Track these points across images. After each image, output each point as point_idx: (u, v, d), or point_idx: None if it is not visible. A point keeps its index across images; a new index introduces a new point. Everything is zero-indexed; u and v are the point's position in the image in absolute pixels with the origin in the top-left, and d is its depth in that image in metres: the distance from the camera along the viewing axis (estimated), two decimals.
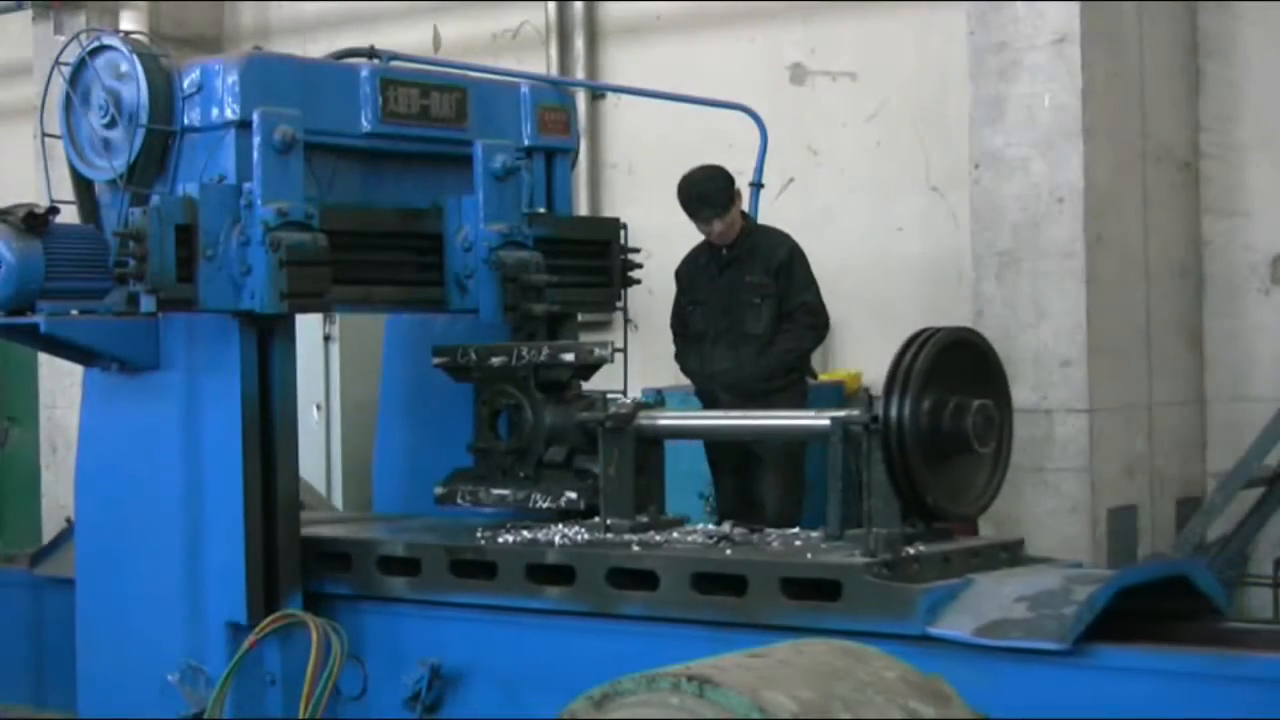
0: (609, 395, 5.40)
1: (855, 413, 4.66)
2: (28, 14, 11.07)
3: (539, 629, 4.93)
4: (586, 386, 6.39)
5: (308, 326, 8.44)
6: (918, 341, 4.63)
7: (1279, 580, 7.50)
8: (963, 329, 4.96)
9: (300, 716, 4.97)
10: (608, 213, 9.60)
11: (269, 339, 5.28)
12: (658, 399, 5.50)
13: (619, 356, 6.52)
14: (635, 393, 6.47)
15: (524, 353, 5.47)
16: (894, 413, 4.54)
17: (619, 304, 6.26)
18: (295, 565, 5.29)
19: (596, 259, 6.14)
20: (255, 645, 5.11)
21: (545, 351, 5.44)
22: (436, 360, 5.70)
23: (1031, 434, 7.34)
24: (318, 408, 9.02)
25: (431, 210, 5.67)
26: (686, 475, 7.67)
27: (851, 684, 3.15)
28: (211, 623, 5.23)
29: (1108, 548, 7.31)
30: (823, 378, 8.49)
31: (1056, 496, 7.32)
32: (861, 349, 9.10)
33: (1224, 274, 8.14)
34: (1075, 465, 7.30)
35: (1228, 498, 7.40)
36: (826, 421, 4.79)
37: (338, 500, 8.90)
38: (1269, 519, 7.66)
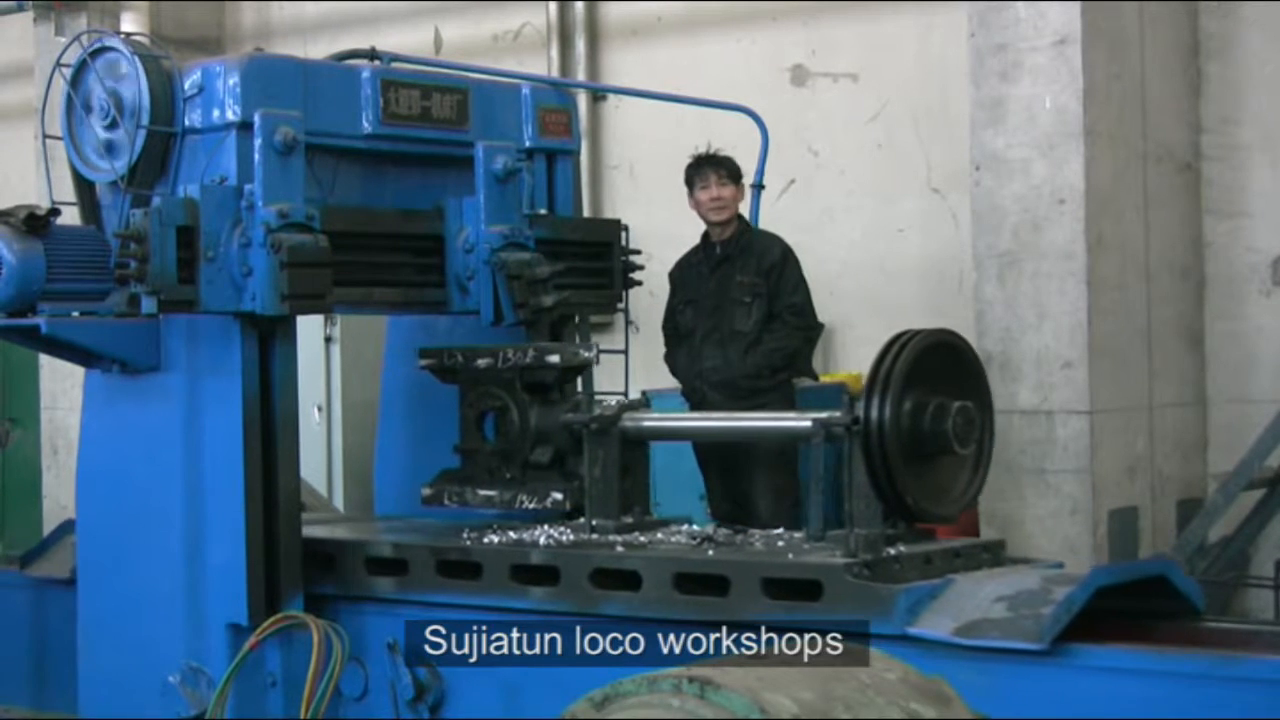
0: (601, 396, 5.42)
1: (837, 414, 4.70)
2: (29, 15, 11.07)
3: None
4: (597, 388, 6.43)
5: (309, 328, 8.44)
6: (898, 343, 4.68)
7: None
8: (943, 330, 4.98)
9: (301, 718, 4.97)
10: (609, 214, 9.60)
11: (270, 340, 5.29)
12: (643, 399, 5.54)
13: (621, 358, 6.55)
14: (636, 394, 6.48)
15: (510, 354, 5.50)
16: (874, 414, 4.58)
17: (620, 305, 6.25)
18: (296, 566, 5.29)
19: (597, 260, 6.14)
20: (256, 646, 5.11)
21: (531, 353, 5.48)
22: (423, 362, 5.73)
23: (1033, 435, 7.33)
24: (319, 409, 9.02)
25: (433, 212, 5.67)
26: (690, 476, 7.68)
27: (852, 685, 3.15)
28: (212, 624, 5.23)
29: (1108, 549, 7.31)
30: (823, 379, 8.49)
31: (1057, 498, 7.31)
32: (862, 350, 9.08)
33: (1225, 275, 8.13)
34: (1076, 466, 7.30)
35: (1229, 499, 7.39)
36: (809, 423, 4.84)
37: (339, 501, 8.90)
38: (1270, 520, 7.66)
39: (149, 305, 5.11)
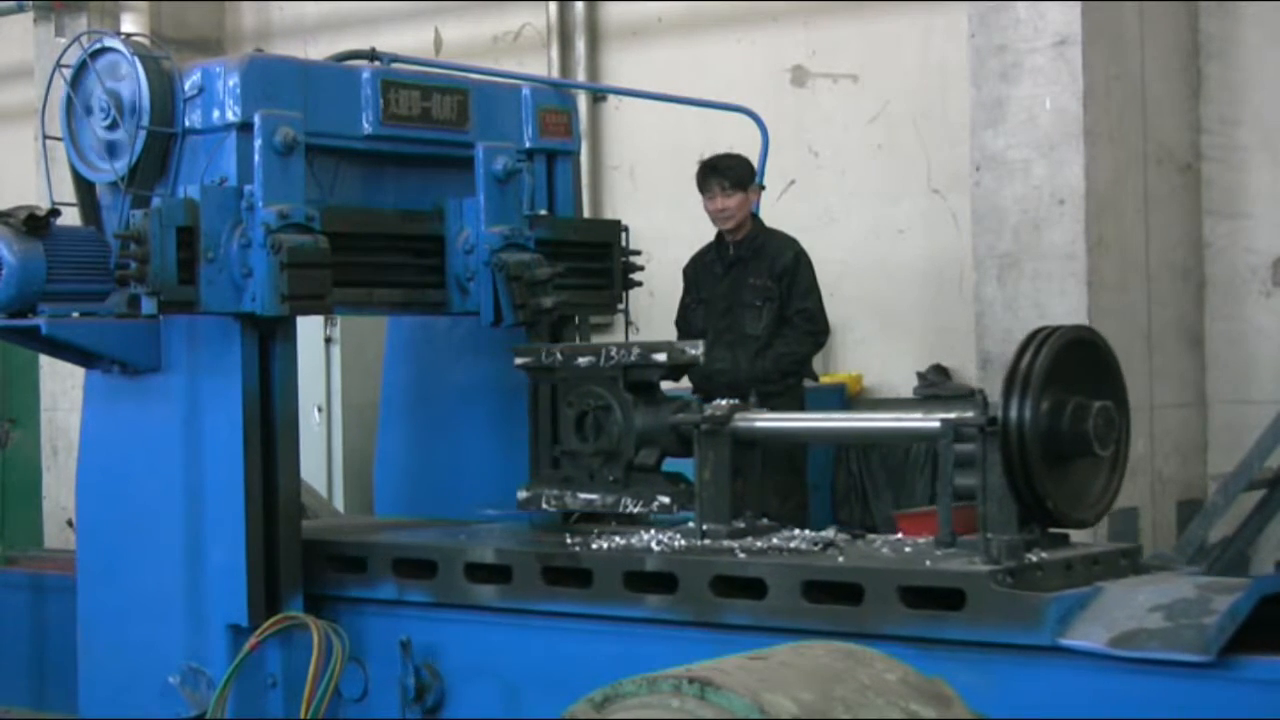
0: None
1: (969, 414, 4.48)
2: (29, 16, 11.08)
3: (547, 631, 4.93)
4: None
5: (309, 328, 8.44)
6: (1036, 340, 4.46)
7: None
8: (1081, 327, 4.78)
9: (301, 718, 4.97)
10: (609, 214, 9.61)
11: (270, 341, 5.28)
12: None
13: None
14: None
15: (613, 353, 5.28)
16: (1014, 414, 4.34)
17: (620, 306, 6.25)
18: (296, 567, 5.28)
19: (597, 261, 6.14)
20: (256, 647, 5.11)
21: (635, 351, 5.25)
22: (519, 361, 5.52)
23: None
24: (319, 410, 9.02)
25: (433, 212, 5.67)
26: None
27: (852, 686, 3.15)
28: (212, 624, 5.23)
29: None
30: (824, 380, 8.50)
31: None
32: (862, 351, 9.11)
33: (1225, 276, 8.14)
34: None
35: (1229, 500, 7.39)
36: (936, 423, 4.60)
37: (339, 502, 8.90)
38: (1270, 521, 7.66)
39: (149, 306, 5.11)
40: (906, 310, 9.03)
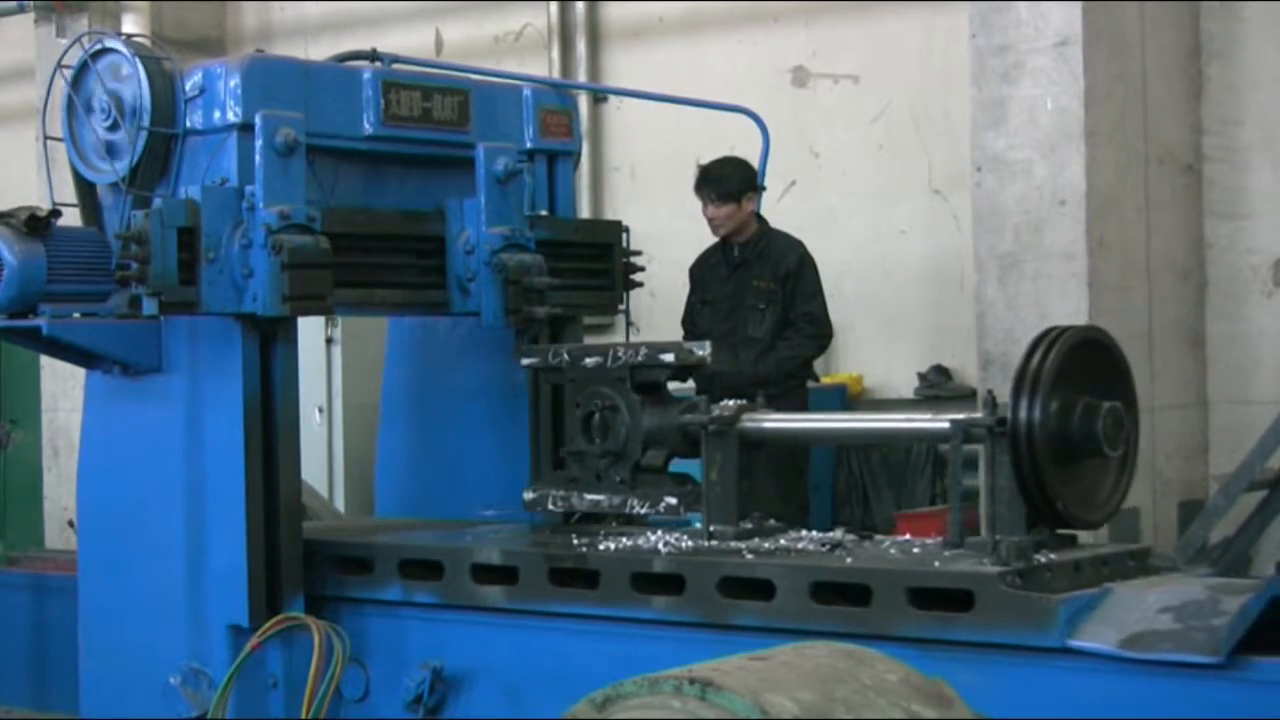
0: None
1: (977, 415, 4.47)
2: (30, 16, 11.08)
3: (548, 631, 4.92)
4: None
5: (310, 329, 8.44)
6: (1046, 341, 4.45)
7: None
8: (1090, 327, 4.72)
9: (302, 719, 4.97)
10: (609, 215, 9.60)
11: (271, 342, 5.28)
12: None
13: None
14: None
15: (620, 353, 5.26)
16: (1023, 415, 4.34)
17: (621, 307, 6.25)
18: (297, 568, 5.28)
19: (598, 262, 6.13)
20: (257, 648, 5.11)
21: (643, 352, 5.22)
22: (525, 361, 5.50)
23: None
24: (320, 410, 9.02)
25: (433, 213, 5.67)
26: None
27: (853, 686, 3.15)
28: (213, 625, 5.23)
29: None
30: (824, 380, 8.50)
31: None
32: (863, 352, 9.11)
33: (1226, 277, 8.13)
34: None
35: (1230, 500, 7.37)
36: (945, 424, 4.58)
37: (340, 503, 8.90)
38: (1271, 522, 7.64)
39: (150, 306, 5.11)
40: (907, 311, 9.03)
